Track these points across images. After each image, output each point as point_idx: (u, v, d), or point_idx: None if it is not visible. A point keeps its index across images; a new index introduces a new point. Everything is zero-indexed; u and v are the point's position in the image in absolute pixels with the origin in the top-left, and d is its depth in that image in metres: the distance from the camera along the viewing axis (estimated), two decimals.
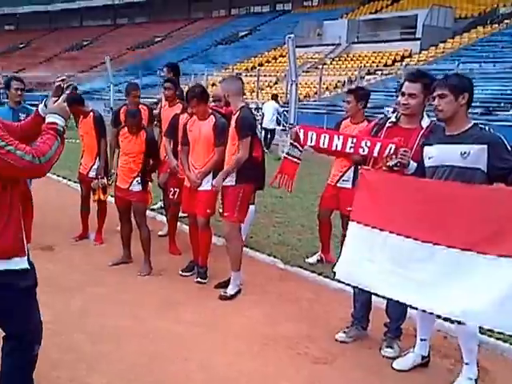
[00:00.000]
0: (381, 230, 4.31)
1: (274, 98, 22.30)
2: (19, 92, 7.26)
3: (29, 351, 3.48)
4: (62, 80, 3.65)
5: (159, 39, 62.46)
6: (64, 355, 4.69)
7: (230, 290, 6.19)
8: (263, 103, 23.32)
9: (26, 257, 3.35)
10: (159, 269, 6.94)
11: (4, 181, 3.15)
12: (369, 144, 4.70)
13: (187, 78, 35.57)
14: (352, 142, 4.78)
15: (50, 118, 3.31)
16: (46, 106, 3.47)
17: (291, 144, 5.21)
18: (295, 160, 5.18)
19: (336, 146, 4.83)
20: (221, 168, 6.18)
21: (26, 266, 3.32)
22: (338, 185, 6.87)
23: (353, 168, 6.61)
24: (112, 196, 7.42)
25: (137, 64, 52.63)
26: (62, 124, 3.31)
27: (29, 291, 3.41)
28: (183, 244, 7.52)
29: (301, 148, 5.10)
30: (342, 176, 6.83)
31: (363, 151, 4.74)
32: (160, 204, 9.27)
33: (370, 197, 4.46)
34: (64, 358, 4.65)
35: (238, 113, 5.98)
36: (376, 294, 4.73)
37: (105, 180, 7.76)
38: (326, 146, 4.91)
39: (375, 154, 4.68)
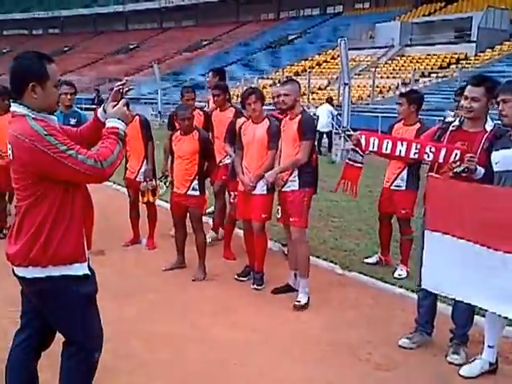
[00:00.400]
0: (459, 238, 4.18)
1: (329, 101, 21.99)
2: (69, 96, 7.27)
3: (88, 358, 3.43)
4: (123, 84, 3.62)
5: (207, 43, 62.37)
6: (121, 362, 4.65)
7: (302, 299, 6.04)
8: (316, 107, 23.14)
9: (87, 263, 3.33)
10: (214, 274, 6.88)
11: (66, 184, 3.14)
12: (433, 150, 4.71)
13: (237, 81, 35.69)
14: (416, 148, 4.83)
15: (110, 123, 3.29)
16: (105, 111, 3.44)
17: (352, 149, 5.21)
18: (357, 165, 5.18)
19: (400, 152, 4.88)
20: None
21: (86, 271, 3.30)
22: (392, 187, 6.80)
23: (406, 170, 6.62)
24: (166, 201, 7.37)
25: (183, 68, 53.08)
26: (122, 128, 3.28)
27: (89, 298, 3.36)
28: (238, 248, 7.46)
29: (362, 153, 5.08)
30: (396, 178, 6.75)
31: (428, 157, 4.79)
32: (212, 209, 9.21)
33: (441, 205, 4.35)
34: (122, 366, 4.62)
35: (299, 116, 5.93)
36: (461, 302, 4.60)
37: (153, 182, 7.71)
38: (388, 152, 4.93)
39: (440, 160, 4.68)
